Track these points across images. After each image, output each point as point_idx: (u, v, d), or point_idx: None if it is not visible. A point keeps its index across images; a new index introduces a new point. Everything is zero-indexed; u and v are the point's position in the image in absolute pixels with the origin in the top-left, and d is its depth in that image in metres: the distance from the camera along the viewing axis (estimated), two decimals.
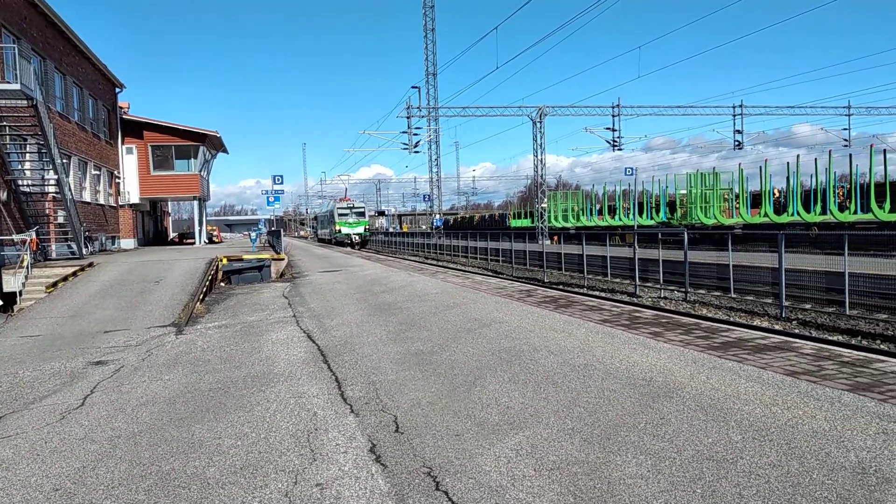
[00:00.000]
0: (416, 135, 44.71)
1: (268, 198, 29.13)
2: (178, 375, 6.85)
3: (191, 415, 5.33)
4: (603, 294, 18.16)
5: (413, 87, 52.10)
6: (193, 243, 36.48)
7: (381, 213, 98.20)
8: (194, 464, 4.17)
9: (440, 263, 30.82)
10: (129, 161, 33.07)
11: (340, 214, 59.30)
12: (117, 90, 32.58)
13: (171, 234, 48.90)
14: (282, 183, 30.46)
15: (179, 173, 34.29)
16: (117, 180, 31.82)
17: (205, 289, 14.75)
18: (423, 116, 45.63)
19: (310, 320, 10.31)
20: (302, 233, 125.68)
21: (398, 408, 5.17)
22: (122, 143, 32.81)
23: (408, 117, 43.49)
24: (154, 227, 41.36)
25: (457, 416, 4.86)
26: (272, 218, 54.27)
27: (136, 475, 4.02)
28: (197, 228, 36.40)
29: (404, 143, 44.76)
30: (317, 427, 4.81)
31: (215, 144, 38.17)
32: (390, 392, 5.66)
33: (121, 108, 33.46)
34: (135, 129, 33.31)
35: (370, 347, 7.73)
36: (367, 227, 60.93)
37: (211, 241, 41.53)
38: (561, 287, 19.50)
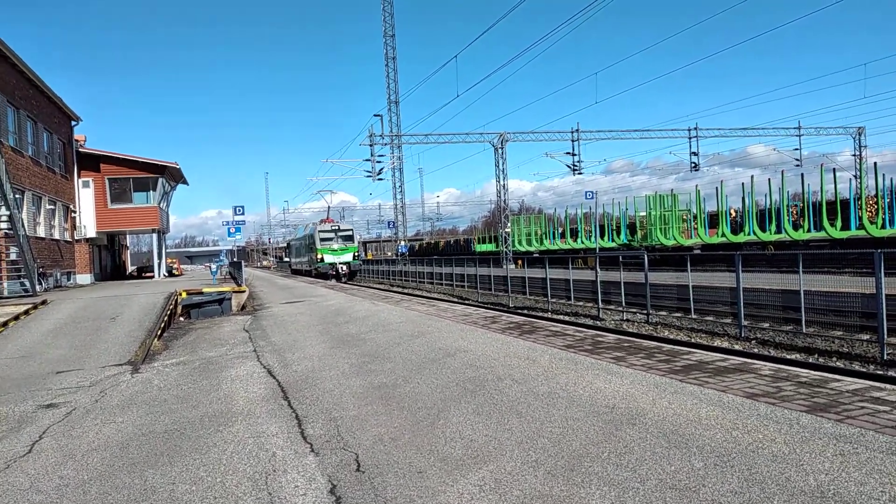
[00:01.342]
0: (379, 162, 44.78)
1: (228, 229, 28.73)
2: (133, 417, 6.62)
3: (144, 459, 5.13)
4: (566, 318, 18.26)
5: (375, 115, 50.05)
6: (152, 277, 35.74)
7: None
8: None
9: (405, 290, 30.69)
10: (86, 194, 32.38)
11: (323, 239, 46.24)
12: (73, 123, 31.99)
13: (130, 268, 47.86)
14: (243, 213, 30.09)
15: (138, 206, 33.70)
16: (73, 214, 31.09)
17: (163, 324, 14.40)
18: (385, 144, 45.76)
19: (270, 355, 10.12)
20: (265, 262, 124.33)
21: (360, 445, 5.06)
22: (79, 176, 32.16)
23: (371, 145, 43.59)
24: (112, 262, 40.44)
25: (420, 452, 4.77)
26: (234, 249, 54.11)
27: None
28: (156, 261, 35.68)
29: (368, 171, 44.78)
30: (275, 468, 4.67)
31: (175, 176, 37.64)
32: (352, 429, 5.54)
33: (77, 140, 32.84)
34: (91, 162, 32.68)
35: (332, 382, 7.59)
36: (357, 253, 48.08)
37: (171, 274, 40.72)
38: (525, 312, 19.55)
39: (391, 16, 53.09)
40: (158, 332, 13.34)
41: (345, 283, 39.76)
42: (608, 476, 3.96)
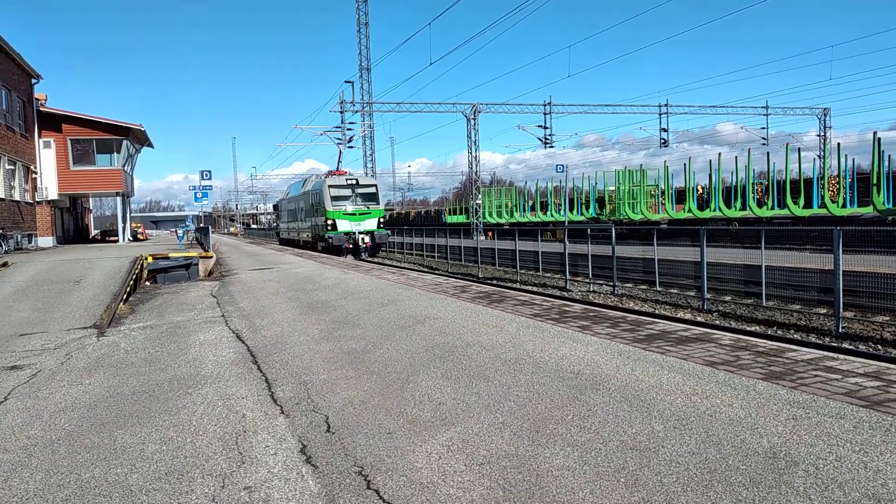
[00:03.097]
0: (350, 130, 44.32)
1: (195, 194, 28.29)
2: (100, 379, 6.59)
3: (113, 420, 5.13)
4: (535, 289, 18.46)
5: (346, 82, 47.08)
6: (117, 241, 35.09)
7: None
8: (116, 471, 4.02)
9: (375, 260, 30.65)
10: (47, 155, 31.50)
11: (335, 198, 31.64)
12: (34, 81, 30.95)
13: (93, 232, 46.89)
14: (210, 178, 29.64)
15: (101, 168, 32.89)
16: (34, 175, 30.27)
17: (129, 288, 14.22)
18: (356, 111, 45.30)
19: (239, 320, 10.09)
20: (232, 229, 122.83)
21: (330, 407, 5.13)
22: (40, 136, 31.22)
23: (341, 112, 43.09)
24: (74, 225, 39.57)
25: (389, 414, 4.85)
26: (200, 214, 52.67)
27: (53, 484, 3.85)
28: (120, 225, 35.02)
29: (338, 138, 44.30)
30: (245, 429, 4.71)
31: (140, 138, 36.78)
32: (322, 392, 5.60)
33: (37, 99, 31.81)
34: (53, 122, 31.74)
35: (302, 347, 7.62)
36: (383, 219, 32.60)
37: (136, 239, 40.01)
38: (495, 282, 19.73)
39: None
40: (124, 296, 13.18)
41: (364, 259, 27.48)
42: (572, 437, 4.09)
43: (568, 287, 18.64)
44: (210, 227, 30.58)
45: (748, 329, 11.64)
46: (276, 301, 12.04)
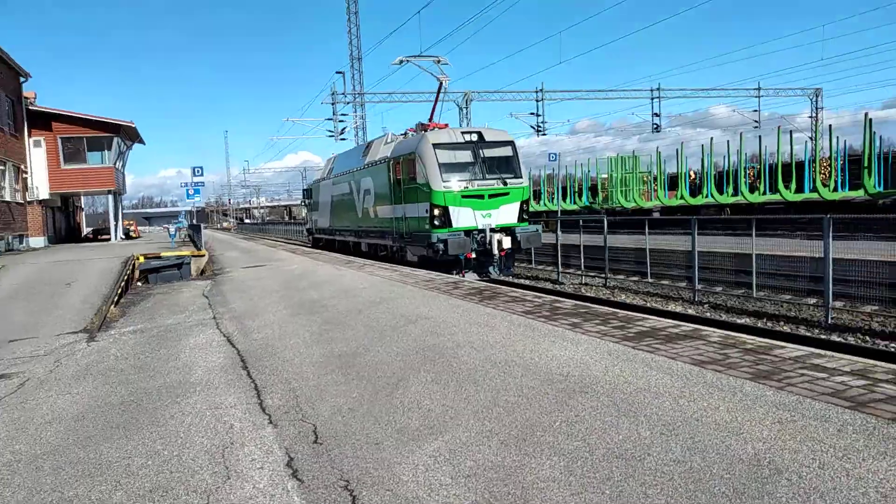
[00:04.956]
0: (342, 121, 44.14)
1: (187, 191, 28.16)
2: (88, 388, 6.57)
3: (100, 432, 5.12)
4: (527, 282, 18.47)
5: (338, 73, 45.47)
6: (109, 239, 34.97)
7: None
8: (100, 488, 4.01)
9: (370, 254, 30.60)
10: (38, 154, 31.31)
11: (447, 166, 16.36)
12: (22, 79, 30.70)
13: (85, 231, 46.69)
14: (202, 174, 29.50)
15: (92, 166, 32.72)
16: (24, 175, 30.08)
17: (120, 290, 14.17)
18: (348, 102, 45.15)
19: (230, 322, 10.07)
20: (225, 224, 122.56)
21: (318, 416, 5.12)
22: (29, 135, 31.01)
23: (333, 103, 42.97)
24: (66, 224, 39.42)
25: (377, 423, 4.85)
26: (193, 210, 52.21)
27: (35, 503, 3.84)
28: (112, 224, 34.87)
29: (330, 131, 44.19)
30: (233, 441, 4.71)
31: (131, 135, 36.58)
32: (311, 399, 5.60)
33: (27, 98, 31.57)
34: (43, 121, 31.52)
35: (292, 351, 7.61)
36: (526, 202, 17.21)
37: (128, 237, 39.88)
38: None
39: None
40: (115, 299, 13.13)
41: (494, 280, 16.52)
42: (559, 445, 4.09)
43: (560, 280, 18.66)
44: (202, 223, 30.45)
45: (738, 322, 11.67)
46: (267, 301, 12.02)
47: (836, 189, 27.40)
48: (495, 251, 16.23)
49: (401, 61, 19.43)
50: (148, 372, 7.13)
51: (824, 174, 28.77)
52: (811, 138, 41.58)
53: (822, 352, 5.95)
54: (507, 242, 16.34)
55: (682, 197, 31.90)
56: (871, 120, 24.21)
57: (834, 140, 29.25)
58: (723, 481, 3.42)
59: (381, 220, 19.91)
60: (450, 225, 16.09)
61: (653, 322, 7.79)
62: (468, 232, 16.09)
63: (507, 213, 16.58)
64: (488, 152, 16.95)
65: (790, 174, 28.38)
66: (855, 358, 5.70)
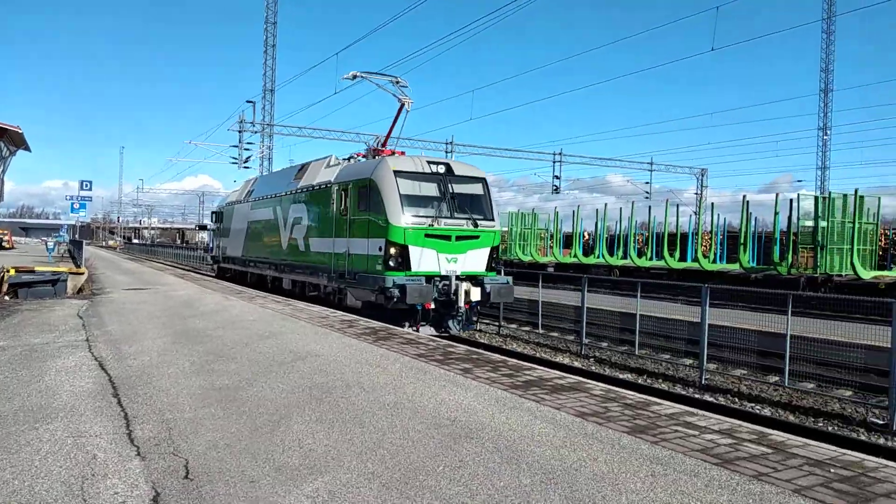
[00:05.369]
0: (247, 150, 43.21)
1: (72, 204, 26.51)
2: None
3: None
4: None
5: (248, 102, 44.56)
6: None
7: (203, 228, 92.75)
8: None
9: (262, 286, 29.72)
10: None
11: (409, 199, 13.76)
12: None
13: None
14: (90, 188, 27.91)
15: None
16: None
17: None
18: (256, 132, 44.28)
19: (105, 346, 9.44)
20: (111, 242, 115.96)
21: (192, 451, 4.84)
22: None
23: (240, 131, 42.02)
24: None
25: (255, 460, 4.64)
26: (77, 224, 49.02)
27: None
28: None
29: (234, 158, 43.12)
30: (94, 473, 4.36)
31: (15, 140, 33.99)
32: (185, 432, 5.29)
33: None
34: None
35: (170, 380, 7.20)
36: (496, 249, 14.95)
37: (0, 247, 36.87)
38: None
39: (275, 2, 51.43)
40: None
41: (455, 336, 14.13)
42: (441, 490, 4.05)
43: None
44: (86, 239, 28.66)
45: (620, 377, 12.13)
46: (148, 326, 11.37)
47: (715, 261, 29.36)
48: (461, 303, 13.68)
49: (354, 76, 16.93)
50: (5, 394, 6.53)
51: (705, 246, 30.85)
52: (696, 213, 44.60)
53: (695, 410, 6.27)
54: (475, 294, 13.80)
55: (575, 255, 33.21)
56: (748, 202, 26.39)
57: (715, 216, 31.60)
58: None
59: (315, 254, 16.88)
60: (408, 268, 13.39)
61: (541, 372, 7.96)
62: (429, 278, 13.49)
63: (476, 260, 14.20)
64: (458, 188, 14.55)
65: (675, 243, 30.28)
66: (724, 418, 6.05)
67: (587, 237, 36.59)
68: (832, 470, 4.49)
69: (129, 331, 10.87)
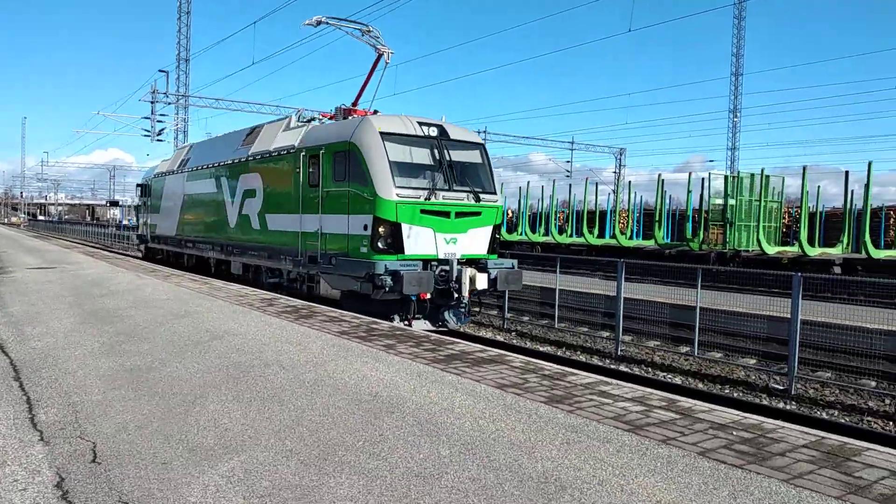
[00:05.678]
0: (160, 122, 41.48)
1: None
2: None
3: None
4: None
5: (161, 71, 42.06)
6: None
7: (115, 204, 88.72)
8: None
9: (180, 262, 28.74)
10: None
11: (400, 167, 11.63)
12: None
13: None
14: None
15: None
16: None
17: None
18: (170, 103, 42.49)
19: (5, 327, 8.91)
20: (14, 219, 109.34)
21: (100, 434, 4.64)
22: None
23: (152, 102, 40.23)
24: None
25: (168, 441, 4.50)
26: None
27: None
28: None
29: (146, 130, 41.35)
30: None
31: None
32: (93, 415, 5.07)
33: None
34: None
35: (77, 362, 6.88)
36: (498, 227, 12.84)
37: None
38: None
39: None
40: None
41: (455, 327, 12.67)
42: (360, 465, 4.05)
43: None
44: None
45: (540, 350, 12.43)
46: (54, 307, 10.80)
47: (632, 237, 30.41)
48: (464, 292, 11.72)
49: (318, 22, 14.35)
50: None
51: (623, 223, 31.87)
52: (614, 191, 45.95)
53: (610, 380, 6.49)
54: (481, 281, 11.83)
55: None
56: (663, 181, 27.42)
57: (633, 195, 32.73)
58: (513, 497, 3.57)
59: (275, 233, 14.48)
60: (400, 250, 11.32)
61: (463, 346, 8.05)
62: (426, 262, 11.52)
63: (478, 241, 12.18)
64: (455, 155, 12.34)
65: (594, 221, 31.16)
66: (636, 386, 6.28)
67: (510, 215, 37.11)
68: (734, 433, 4.74)
69: (34, 311, 10.30)
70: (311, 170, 13.07)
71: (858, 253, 21.46)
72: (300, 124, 14.53)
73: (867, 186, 21.41)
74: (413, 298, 11.36)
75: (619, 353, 12.09)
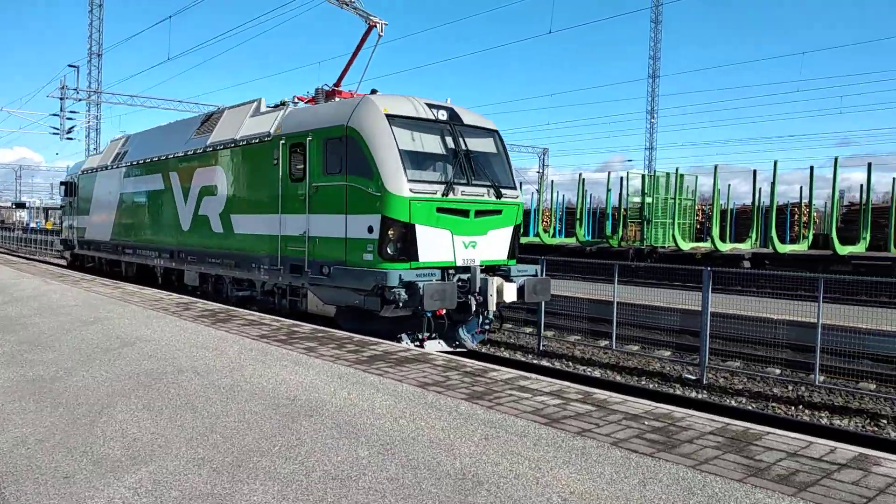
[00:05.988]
0: (70, 119, 39.51)
1: None
2: None
3: None
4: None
5: (71, 66, 39.89)
6: None
7: (21, 206, 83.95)
8: None
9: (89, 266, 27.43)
10: None
11: (410, 155, 9.64)
12: None
13: None
14: None
15: None
16: None
17: None
18: (81, 100, 40.53)
19: None
20: None
21: None
22: None
23: (62, 98, 38.22)
24: None
25: (71, 454, 4.28)
26: None
27: None
28: None
29: (55, 128, 39.31)
30: None
31: None
32: None
33: None
34: None
35: None
36: (518, 228, 10.95)
37: None
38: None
39: None
40: None
41: (473, 347, 11.27)
42: (275, 470, 3.96)
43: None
44: None
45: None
46: None
47: (554, 235, 31.05)
48: (491, 306, 9.94)
49: None
50: None
51: (546, 222, 32.50)
52: (538, 190, 46.77)
53: (529, 375, 6.60)
54: (509, 292, 10.06)
55: None
56: (584, 180, 28.15)
57: (556, 194, 33.41)
58: (430, 495, 3.58)
59: (244, 237, 12.30)
60: (414, 257, 9.46)
61: (385, 346, 8.01)
62: (444, 270, 9.74)
63: (498, 244, 10.42)
64: (470, 143, 10.53)
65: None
66: (555, 380, 6.41)
67: None
68: (646, 422, 4.91)
69: None
70: (293, 161, 10.97)
71: (766, 248, 22.64)
72: (270, 109, 12.52)
73: (773, 185, 22.66)
74: (428, 314, 9.66)
75: (541, 348, 12.32)
